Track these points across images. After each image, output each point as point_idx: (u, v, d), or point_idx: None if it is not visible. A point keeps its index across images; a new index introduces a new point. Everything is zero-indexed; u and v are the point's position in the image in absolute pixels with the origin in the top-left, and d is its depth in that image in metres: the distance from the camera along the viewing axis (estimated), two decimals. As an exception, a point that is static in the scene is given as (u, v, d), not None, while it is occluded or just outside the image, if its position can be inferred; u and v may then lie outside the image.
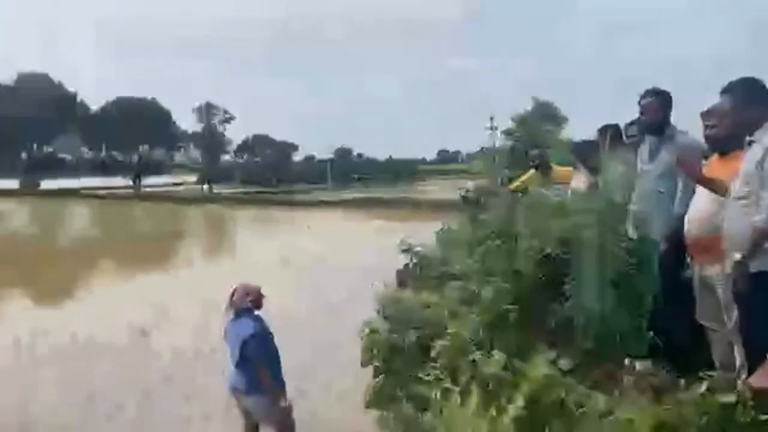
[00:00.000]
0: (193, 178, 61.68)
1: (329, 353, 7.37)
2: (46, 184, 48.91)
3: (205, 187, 52.93)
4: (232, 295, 4.24)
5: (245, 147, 68.63)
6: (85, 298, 10.97)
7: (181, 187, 54.84)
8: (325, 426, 5.24)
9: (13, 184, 47.95)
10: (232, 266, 13.58)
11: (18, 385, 6.28)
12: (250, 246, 17.32)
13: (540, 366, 2.57)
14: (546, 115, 9.75)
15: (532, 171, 6.82)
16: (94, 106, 52.42)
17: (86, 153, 53.83)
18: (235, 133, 73.26)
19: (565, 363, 2.75)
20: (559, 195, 4.31)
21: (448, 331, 2.99)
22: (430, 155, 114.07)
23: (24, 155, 49.85)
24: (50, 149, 50.87)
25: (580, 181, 5.11)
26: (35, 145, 49.17)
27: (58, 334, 8.16)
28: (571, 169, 5.79)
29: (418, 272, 4.97)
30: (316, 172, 70.22)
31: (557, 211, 3.53)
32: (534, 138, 7.88)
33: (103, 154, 53.62)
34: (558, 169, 6.54)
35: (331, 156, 77.22)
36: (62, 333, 8.20)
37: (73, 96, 50.48)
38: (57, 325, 8.60)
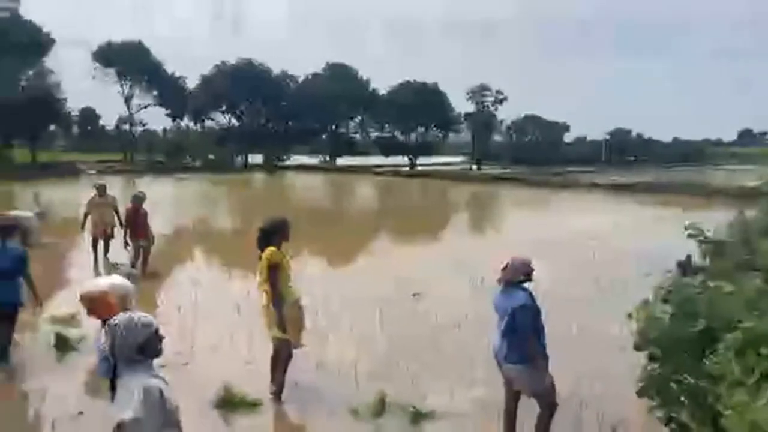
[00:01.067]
0: (464, 158, 64.10)
1: (597, 334, 7.08)
2: (341, 161, 55.99)
3: (475, 166, 54.58)
4: (505, 267, 4.32)
5: (515, 127, 68.52)
6: (364, 260, 12.36)
7: (452, 167, 57.51)
8: (590, 409, 5.08)
9: (314, 161, 56.06)
10: (499, 242, 13.84)
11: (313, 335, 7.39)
12: (517, 224, 17.45)
13: None
14: None
15: None
16: (383, 91, 57.59)
17: (373, 134, 59.72)
18: (507, 113, 73.60)
19: None
20: None
21: (743, 324, 2.63)
22: (729, 136, 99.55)
23: (324, 136, 57.48)
24: (344, 131, 57.68)
25: None
26: (334, 127, 56.23)
27: (345, 291, 9.38)
28: None
29: (706, 260, 4.43)
30: (588, 154, 66.77)
31: None
32: None
33: (387, 134, 58.81)
34: None
35: (606, 137, 72.55)
36: (348, 290, 9.40)
37: (367, 82, 56.22)
38: (345, 282, 9.86)
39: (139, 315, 2.66)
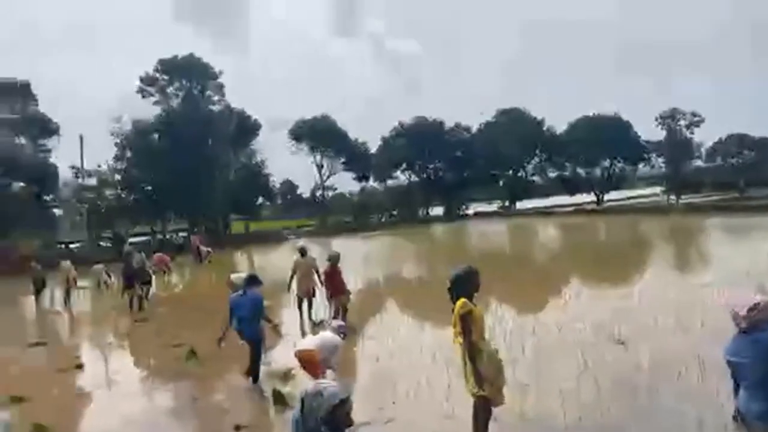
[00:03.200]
0: (657, 189, 58.89)
1: None
2: (521, 204, 54.81)
3: (672, 196, 49.78)
4: (754, 308, 3.70)
5: (718, 150, 61.61)
6: (559, 305, 11.68)
7: (644, 199, 53.06)
8: None
9: (492, 207, 55.60)
10: (712, 280, 12.26)
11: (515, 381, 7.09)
12: (730, 258, 15.32)
13: None
14: None
15: None
16: (560, 129, 55.74)
17: (552, 173, 57.66)
18: (706, 136, 66.48)
19: None
20: None
21: None
22: None
23: (501, 182, 56.97)
24: (522, 174, 56.63)
25: None
26: (511, 171, 55.54)
27: (542, 339, 8.94)
28: None
29: None
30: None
31: None
32: None
33: (568, 172, 56.45)
34: None
35: (838, 148, 61.92)
36: (546, 338, 8.95)
37: (540, 122, 55.03)
38: (541, 330, 9.40)
39: (327, 385, 2.61)
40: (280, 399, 7.03)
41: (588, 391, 6.51)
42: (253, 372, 7.77)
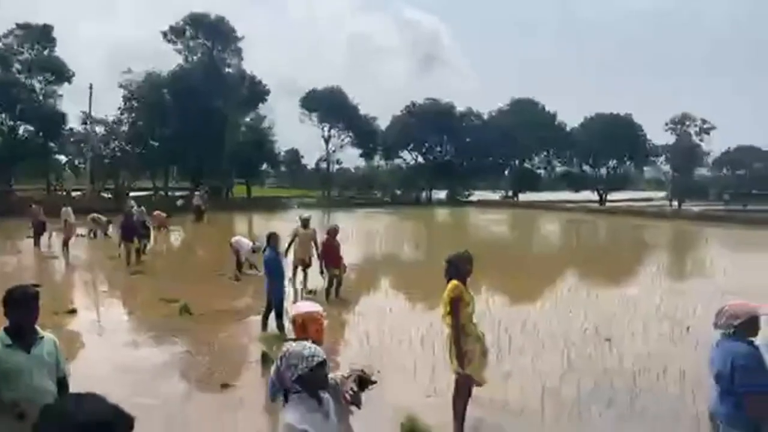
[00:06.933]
0: (661, 194, 58.82)
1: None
2: (524, 196, 54.65)
3: (675, 202, 49.78)
4: (719, 313, 3.77)
5: (726, 159, 61.43)
6: (550, 299, 11.77)
7: (647, 202, 53.04)
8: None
9: (495, 196, 55.50)
10: (706, 288, 12.33)
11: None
12: (728, 268, 15.35)
13: None
14: None
15: None
16: (572, 124, 55.34)
17: (558, 168, 57.50)
18: (715, 145, 66.17)
19: None
20: None
21: None
22: None
23: (507, 172, 56.86)
24: (529, 165, 56.47)
25: None
26: (518, 162, 55.39)
27: (530, 330, 9.05)
28: None
29: None
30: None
31: None
32: None
33: (574, 169, 56.30)
34: None
35: None
36: (533, 329, 9.05)
37: (553, 115, 54.66)
38: (530, 321, 9.50)
39: (309, 345, 2.53)
40: (268, 360, 7.15)
41: (570, 384, 6.62)
42: (263, 319, 8.85)
